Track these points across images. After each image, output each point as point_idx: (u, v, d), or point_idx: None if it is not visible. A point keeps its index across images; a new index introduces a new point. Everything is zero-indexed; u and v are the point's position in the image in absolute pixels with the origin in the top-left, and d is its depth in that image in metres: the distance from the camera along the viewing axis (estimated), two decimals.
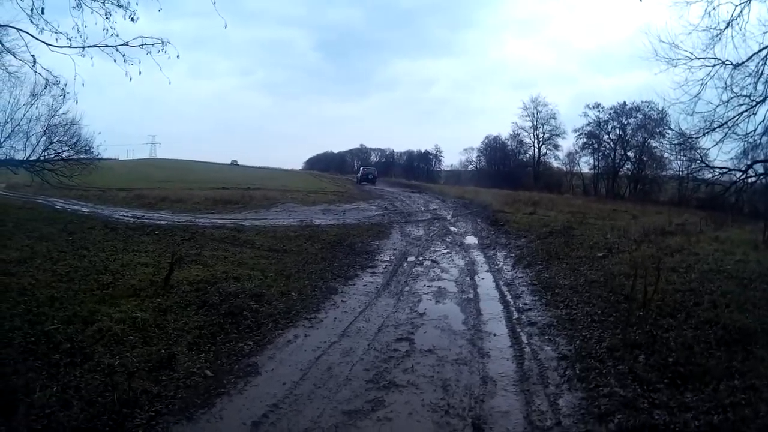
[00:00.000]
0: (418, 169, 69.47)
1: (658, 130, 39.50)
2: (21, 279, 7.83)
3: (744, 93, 10.19)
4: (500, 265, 10.97)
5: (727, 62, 10.08)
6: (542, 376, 5.18)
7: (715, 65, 10.20)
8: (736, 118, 10.43)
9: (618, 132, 44.54)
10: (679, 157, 19.35)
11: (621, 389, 4.71)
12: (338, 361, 5.63)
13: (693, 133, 11.56)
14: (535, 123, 53.45)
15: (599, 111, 45.57)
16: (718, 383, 4.66)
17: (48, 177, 16.90)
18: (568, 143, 57.80)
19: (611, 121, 44.95)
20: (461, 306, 7.83)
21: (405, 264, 10.92)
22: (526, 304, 7.89)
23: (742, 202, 13.98)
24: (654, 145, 41.07)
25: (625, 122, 43.94)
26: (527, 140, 54.95)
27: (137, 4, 6.53)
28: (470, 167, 62.86)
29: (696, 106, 10.65)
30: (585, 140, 47.15)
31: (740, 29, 9.64)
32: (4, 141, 15.25)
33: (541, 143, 53.80)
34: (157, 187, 29.34)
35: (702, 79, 10.36)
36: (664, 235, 12.80)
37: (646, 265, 7.54)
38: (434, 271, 10.24)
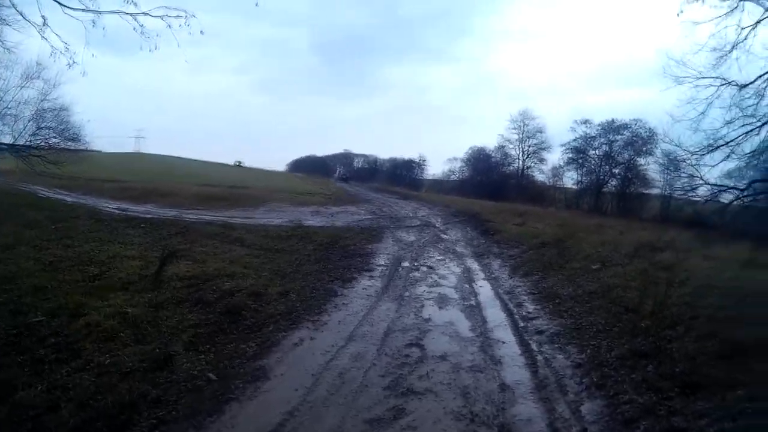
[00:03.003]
0: (401, 176, 69.30)
1: (645, 148, 40.24)
2: (6, 266, 7.63)
3: (748, 113, 10.50)
4: (497, 274, 10.95)
5: (732, 83, 10.42)
6: (559, 384, 5.19)
7: (721, 85, 10.54)
8: (739, 138, 10.74)
9: (605, 148, 44.87)
10: (672, 175, 19.83)
11: (639, 397, 4.76)
12: (350, 366, 5.56)
13: (696, 150, 11.89)
14: (521, 136, 53.57)
15: (587, 126, 45.83)
16: (724, 393, 4.72)
17: (34, 163, 16.71)
18: (554, 157, 58.44)
19: (599, 137, 45.28)
20: (465, 313, 7.80)
21: (401, 269, 10.83)
22: (529, 312, 7.87)
23: (734, 221, 14.36)
24: (641, 162, 41.80)
25: (613, 139, 44.30)
26: (513, 152, 55.19)
27: None
28: (453, 177, 62.94)
29: (700, 124, 11.07)
30: (571, 155, 47.58)
31: (746, 51, 9.99)
32: None
33: (526, 156, 54.16)
34: (143, 180, 28.90)
35: (707, 98, 10.73)
36: (654, 250, 13.02)
37: (653, 279, 7.70)
38: (432, 277, 10.17)
